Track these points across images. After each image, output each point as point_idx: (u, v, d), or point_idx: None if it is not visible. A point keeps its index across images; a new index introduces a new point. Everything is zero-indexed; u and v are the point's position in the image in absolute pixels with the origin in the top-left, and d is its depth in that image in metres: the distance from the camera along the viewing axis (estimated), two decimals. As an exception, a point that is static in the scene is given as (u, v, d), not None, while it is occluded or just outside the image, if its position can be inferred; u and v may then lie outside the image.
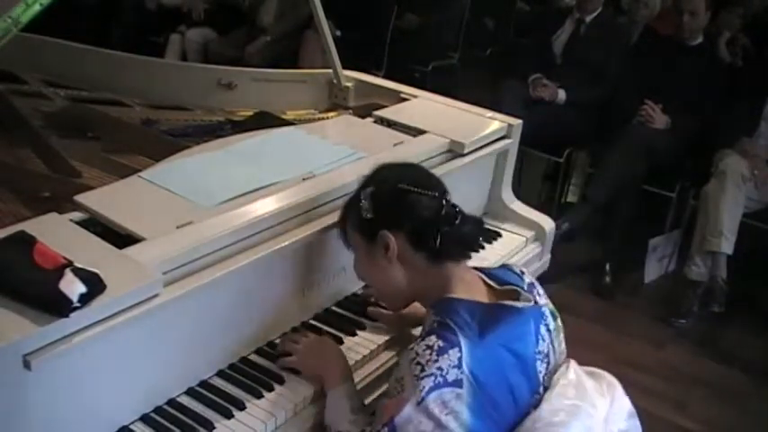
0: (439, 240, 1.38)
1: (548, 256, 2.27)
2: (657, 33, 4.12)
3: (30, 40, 2.38)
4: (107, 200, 1.49)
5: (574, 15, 4.13)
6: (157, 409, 1.36)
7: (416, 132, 2.02)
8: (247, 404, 1.40)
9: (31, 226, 1.32)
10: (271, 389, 1.44)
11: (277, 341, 1.58)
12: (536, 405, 1.35)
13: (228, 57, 4.84)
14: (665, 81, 3.72)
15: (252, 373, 1.48)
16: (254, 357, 1.53)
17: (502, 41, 5.48)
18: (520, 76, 4.13)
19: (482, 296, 1.40)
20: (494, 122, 2.17)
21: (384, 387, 1.57)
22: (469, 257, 1.46)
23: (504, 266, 1.56)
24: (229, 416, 1.37)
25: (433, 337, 1.28)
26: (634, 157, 3.60)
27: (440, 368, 1.24)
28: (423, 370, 1.25)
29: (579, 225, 3.64)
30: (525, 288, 1.45)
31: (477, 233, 1.48)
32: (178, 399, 1.40)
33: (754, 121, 3.53)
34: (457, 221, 1.40)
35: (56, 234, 1.32)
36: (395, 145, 1.92)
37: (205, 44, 5.23)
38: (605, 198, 3.63)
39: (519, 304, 1.38)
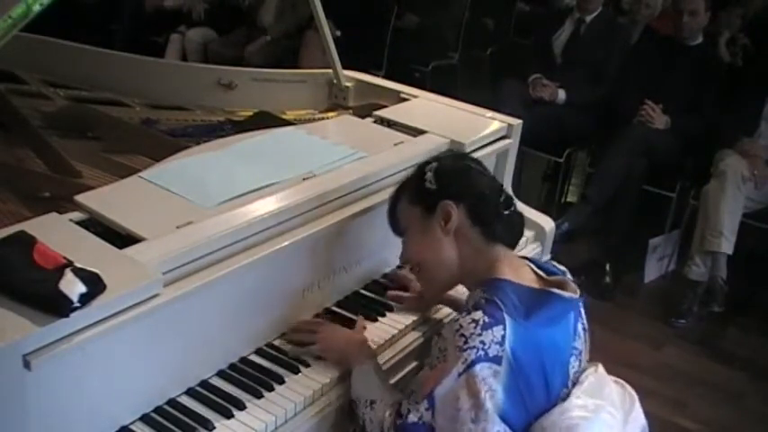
0: (496, 220, 1.43)
1: (547, 257, 2.27)
2: (657, 33, 4.11)
3: (30, 40, 2.38)
4: (107, 200, 1.49)
5: (574, 15, 4.14)
6: (157, 409, 1.36)
7: (416, 132, 2.02)
8: (247, 404, 1.40)
9: (31, 226, 1.32)
10: (271, 389, 1.44)
11: (276, 342, 1.58)
12: (564, 398, 1.37)
13: (228, 57, 4.84)
14: (666, 81, 3.71)
15: (252, 373, 1.48)
16: (254, 357, 1.53)
17: (502, 41, 5.47)
18: (520, 76, 4.13)
19: (531, 282, 1.43)
20: (494, 122, 2.17)
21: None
22: (514, 247, 1.50)
23: (547, 261, 1.59)
24: (229, 416, 1.37)
25: (480, 312, 1.30)
26: (634, 158, 3.59)
27: (482, 342, 1.27)
28: (466, 342, 1.28)
29: (579, 225, 3.64)
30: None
31: (522, 227, 1.54)
32: (178, 399, 1.40)
33: (754, 121, 3.52)
34: (512, 209, 1.47)
35: (56, 234, 1.32)
36: (395, 145, 1.92)
37: (205, 44, 5.23)
38: (605, 198, 3.62)
39: (565, 294, 1.41)
